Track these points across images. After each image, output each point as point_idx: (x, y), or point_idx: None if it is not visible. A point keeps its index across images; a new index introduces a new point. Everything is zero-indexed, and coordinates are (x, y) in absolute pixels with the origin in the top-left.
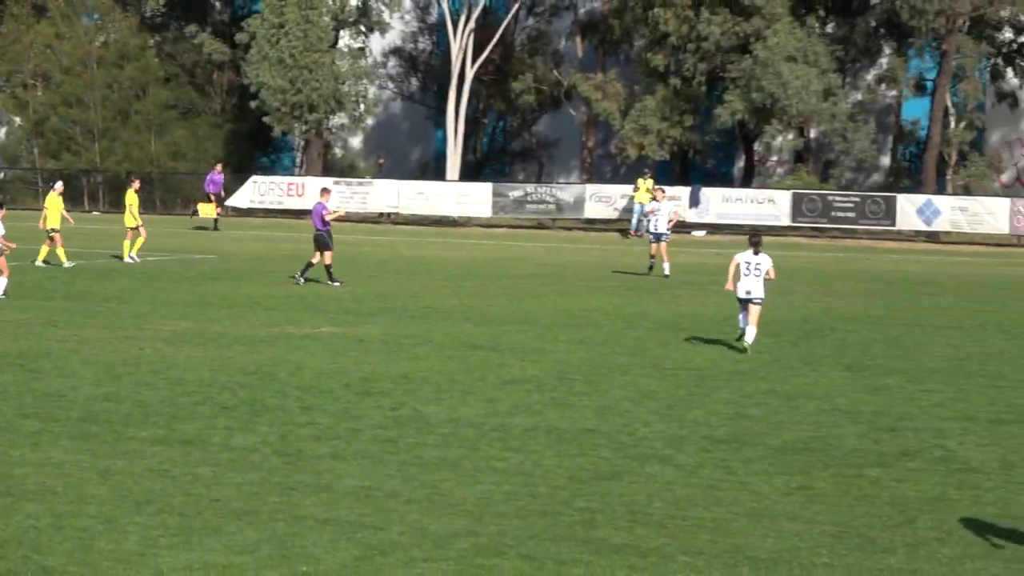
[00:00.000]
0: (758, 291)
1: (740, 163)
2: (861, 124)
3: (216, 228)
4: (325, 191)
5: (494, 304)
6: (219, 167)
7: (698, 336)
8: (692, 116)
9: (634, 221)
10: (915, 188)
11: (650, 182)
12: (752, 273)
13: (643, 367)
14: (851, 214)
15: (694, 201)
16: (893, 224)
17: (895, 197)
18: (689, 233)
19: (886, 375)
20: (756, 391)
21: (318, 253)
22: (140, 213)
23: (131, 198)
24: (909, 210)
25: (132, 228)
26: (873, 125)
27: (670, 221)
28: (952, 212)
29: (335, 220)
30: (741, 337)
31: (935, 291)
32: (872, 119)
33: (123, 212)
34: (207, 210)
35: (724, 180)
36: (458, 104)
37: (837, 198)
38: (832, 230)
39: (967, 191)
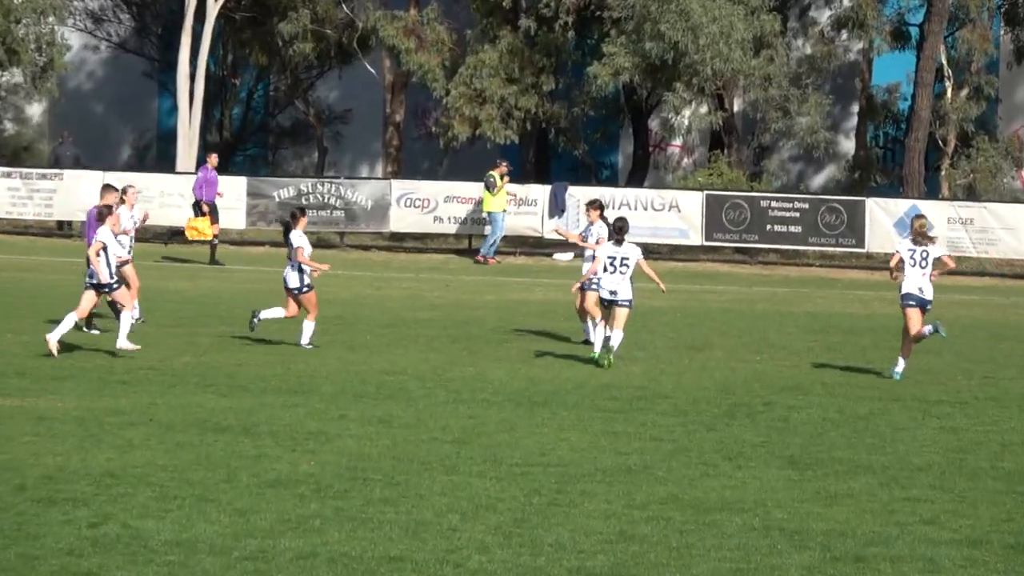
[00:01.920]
0: (625, 292)
1: (627, 149)
2: (811, 91)
3: (215, 261)
4: (109, 189)
5: (249, 362)
6: (213, 160)
7: (562, 412)
8: (554, 77)
9: (488, 244)
10: (893, 189)
11: (504, 180)
12: (618, 269)
13: (478, 461)
14: (796, 228)
15: (556, 207)
16: (860, 243)
17: (863, 203)
18: (550, 256)
19: (849, 475)
20: (651, 498)
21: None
22: None
23: None
24: (884, 222)
25: None
26: (829, 93)
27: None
28: (949, 226)
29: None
30: (606, 347)
31: (923, 347)
32: (827, 84)
33: None
34: (202, 226)
35: (603, 175)
36: (194, 56)
37: (775, 204)
38: (767, 252)
39: (971, 193)
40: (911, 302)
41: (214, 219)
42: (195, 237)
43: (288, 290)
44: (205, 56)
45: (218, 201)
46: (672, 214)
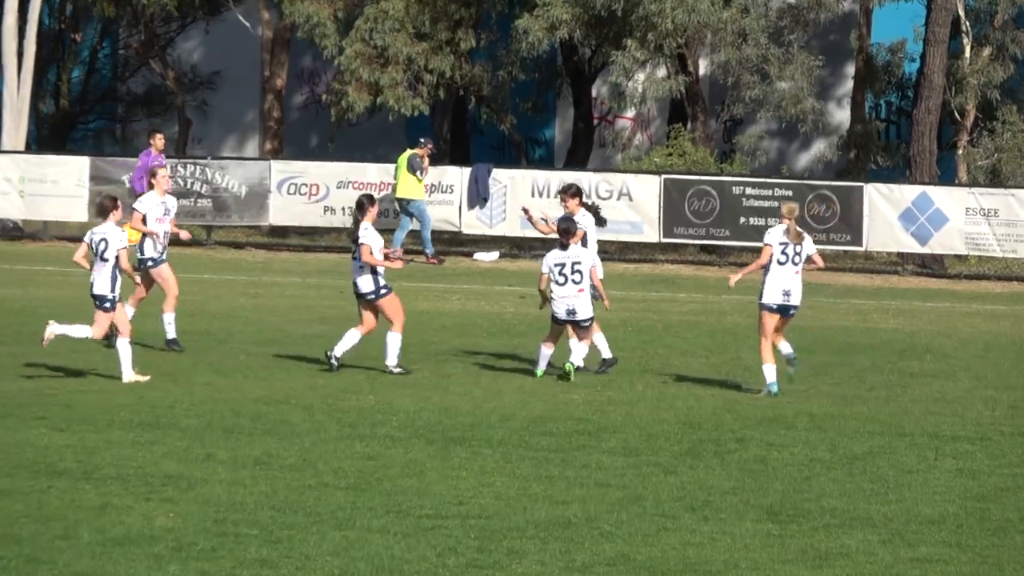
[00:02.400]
0: (585, 308)
1: (566, 123)
2: (795, 50)
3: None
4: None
5: (91, 389)
6: (159, 141)
7: (484, 450)
8: (474, 33)
9: (427, 241)
10: (898, 172)
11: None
12: (569, 279)
13: (379, 512)
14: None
15: (476, 195)
16: (856, 240)
17: (860, 189)
18: (470, 256)
19: (842, 529)
20: (595, 559)
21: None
22: None
23: None
24: (887, 213)
25: None
26: (818, 52)
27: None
28: (968, 218)
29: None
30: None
31: (935, 369)
32: (816, 41)
33: None
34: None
35: (535, 155)
36: (23, 6)
37: (750, 191)
38: (740, 251)
39: (995, 178)
40: (772, 307)
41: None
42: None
43: (360, 297)
44: (38, 7)
45: (64, 187)
46: (622, 203)
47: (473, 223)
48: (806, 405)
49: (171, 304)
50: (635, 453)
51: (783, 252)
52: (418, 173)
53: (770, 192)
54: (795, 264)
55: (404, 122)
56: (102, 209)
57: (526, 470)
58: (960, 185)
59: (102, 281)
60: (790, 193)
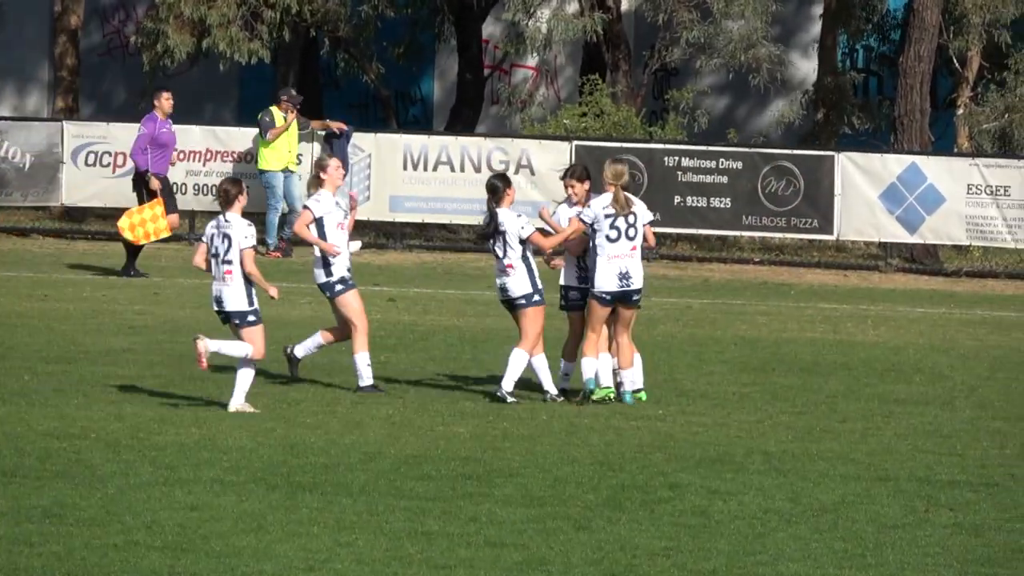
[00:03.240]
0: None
1: (448, 74)
2: None
3: (132, 269)
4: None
5: None
6: (166, 102)
7: (342, 499)
8: None
9: (272, 220)
10: (880, 138)
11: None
12: (623, 234)
13: None
14: (723, 201)
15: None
16: (825, 225)
17: (830, 160)
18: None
19: None
20: None
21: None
22: None
23: None
24: (865, 191)
25: None
26: None
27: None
28: (970, 197)
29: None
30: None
31: (928, 395)
32: None
33: None
34: (153, 220)
35: (408, 115)
36: None
37: (688, 162)
38: (676, 240)
39: (1006, 145)
40: (606, 296)
41: (169, 206)
42: (145, 238)
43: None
44: None
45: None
46: (522, 177)
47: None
48: (760, 441)
49: (362, 342)
50: (538, 503)
51: (612, 226)
52: (264, 135)
53: (713, 164)
54: (630, 239)
55: (238, 72)
56: (225, 197)
57: (397, 525)
58: (960, 155)
59: (234, 292)
60: (739, 165)
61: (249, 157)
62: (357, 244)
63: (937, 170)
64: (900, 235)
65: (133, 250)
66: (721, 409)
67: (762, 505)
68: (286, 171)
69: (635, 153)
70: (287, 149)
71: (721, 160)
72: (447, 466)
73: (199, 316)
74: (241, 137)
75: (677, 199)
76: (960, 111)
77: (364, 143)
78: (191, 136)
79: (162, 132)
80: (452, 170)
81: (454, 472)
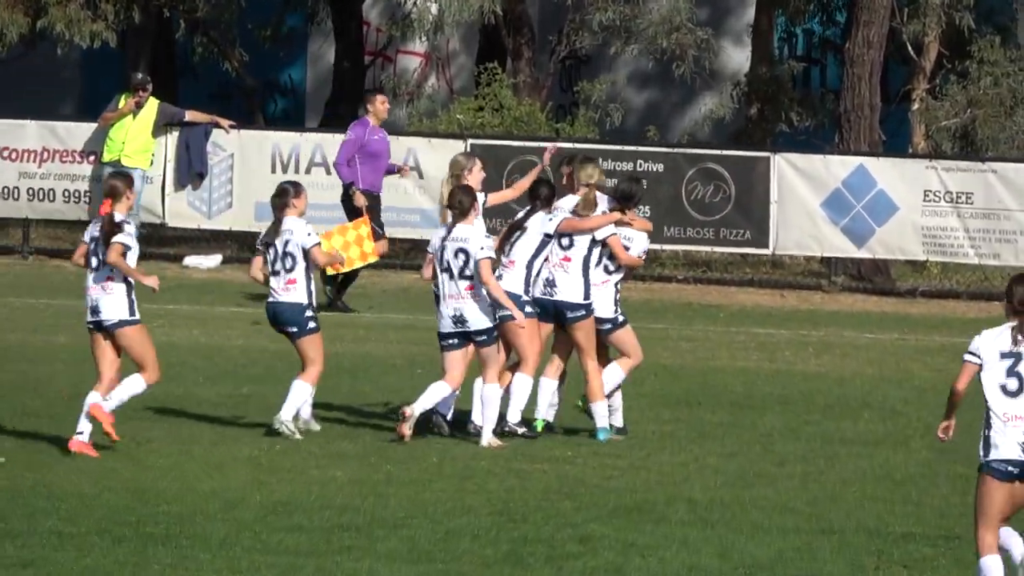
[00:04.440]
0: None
1: (324, 60)
2: None
3: (339, 302)
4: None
5: None
6: (382, 107)
7: (199, 554)
8: None
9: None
10: (821, 137)
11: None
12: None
13: None
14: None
15: (189, 168)
16: (760, 239)
17: (765, 162)
18: (179, 262)
19: None
20: None
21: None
22: None
23: None
24: (805, 197)
25: None
26: None
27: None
28: (929, 206)
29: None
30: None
31: (878, 434)
32: None
33: None
34: (356, 243)
35: (275, 108)
36: None
37: (601, 164)
38: None
39: (969, 145)
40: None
41: (376, 229)
42: (349, 264)
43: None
44: None
45: None
46: (409, 183)
47: (183, 211)
48: (684, 488)
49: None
50: (427, 558)
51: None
52: (105, 113)
53: (630, 166)
54: (564, 250)
55: (80, 57)
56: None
57: None
58: (916, 156)
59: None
60: (660, 167)
61: (93, 157)
62: (216, 259)
63: (889, 174)
64: (846, 249)
65: (333, 277)
66: (639, 450)
67: (686, 561)
68: (116, 164)
69: (538, 153)
70: (121, 140)
71: (639, 161)
72: (321, 515)
73: (37, 344)
74: (82, 134)
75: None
76: (916, 106)
77: (226, 141)
78: (25, 133)
79: (373, 140)
80: (328, 172)
81: (329, 523)
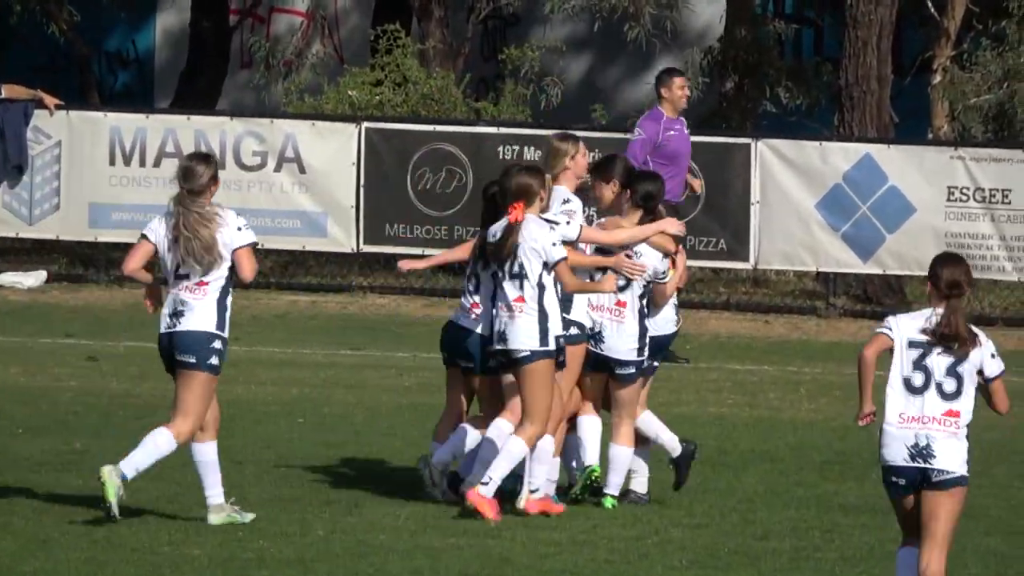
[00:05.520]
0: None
1: (176, 24)
2: None
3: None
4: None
5: None
6: (678, 86)
7: None
8: None
9: None
10: (815, 119)
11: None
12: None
13: None
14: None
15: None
16: (738, 251)
17: (745, 150)
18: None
19: None
20: None
21: None
22: None
23: None
24: (796, 196)
25: None
26: None
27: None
28: (953, 207)
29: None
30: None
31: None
32: None
33: None
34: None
35: (116, 85)
36: None
37: (533, 153)
38: None
39: (1003, 128)
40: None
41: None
42: None
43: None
44: None
45: None
46: (287, 177)
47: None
48: (640, 569)
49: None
50: None
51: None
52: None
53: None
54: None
55: None
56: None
57: None
58: (938, 143)
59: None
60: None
61: None
62: (40, 276)
63: (903, 166)
64: (848, 262)
65: None
66: (584, 520)
67: None
68: None
69: (455, 140)
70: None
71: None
72: None
73: None
74: None
75: None
76: (937, 79)
77: (51, 125)
78: None
79: (669, 136)
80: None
81: None
